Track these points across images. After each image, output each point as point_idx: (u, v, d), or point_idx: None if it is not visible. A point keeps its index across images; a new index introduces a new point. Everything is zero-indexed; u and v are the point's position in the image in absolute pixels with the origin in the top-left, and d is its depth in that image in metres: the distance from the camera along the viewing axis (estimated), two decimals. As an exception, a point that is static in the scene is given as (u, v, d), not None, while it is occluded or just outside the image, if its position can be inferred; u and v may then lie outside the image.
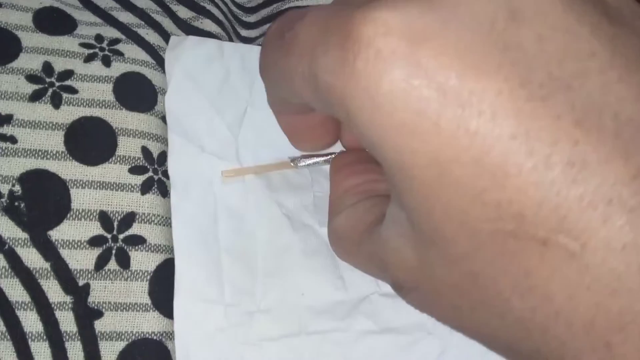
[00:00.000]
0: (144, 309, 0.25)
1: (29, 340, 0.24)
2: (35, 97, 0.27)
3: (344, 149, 0.25)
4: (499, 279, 0.14)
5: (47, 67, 0.27)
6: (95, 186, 0.26)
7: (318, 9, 0.16)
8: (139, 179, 0.27)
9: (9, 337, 0.24)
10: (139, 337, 0.25)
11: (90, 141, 0.27)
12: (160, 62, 0.29)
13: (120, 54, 0.29)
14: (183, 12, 0.31)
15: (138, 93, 0.28)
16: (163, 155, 0.28)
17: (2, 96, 0.26)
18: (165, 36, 0.30)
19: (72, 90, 0.27)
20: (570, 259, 0.13)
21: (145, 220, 0.26)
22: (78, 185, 0.26)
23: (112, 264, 0.25)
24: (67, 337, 0.24)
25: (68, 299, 0.25)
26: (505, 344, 0.15)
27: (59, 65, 0.27)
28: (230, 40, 0.32)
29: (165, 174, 0.27)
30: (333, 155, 0.26)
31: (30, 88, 0.27)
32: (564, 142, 0.13)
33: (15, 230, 0.25)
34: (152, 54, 0.29)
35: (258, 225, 0.27)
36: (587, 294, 0.13)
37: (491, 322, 0.15)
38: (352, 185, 0.23)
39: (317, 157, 0.28)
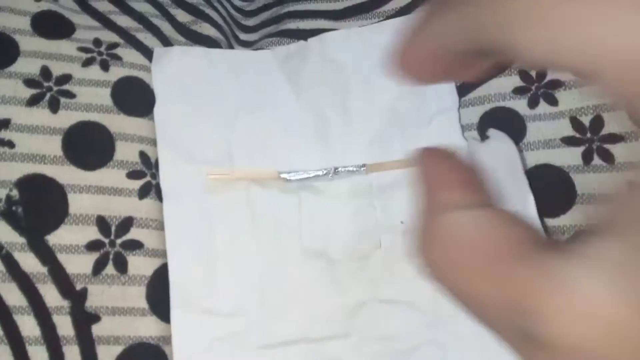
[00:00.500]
0: (141, 313, 0.25)
1: (27, 344, 0.24)
2: (33, 101, 0.27)
3: None
4: None
5: (45, 71, 0.27)
6: (93, 191, 0.26)
7: None
8: (136, 184, 0.27)
9: (6, 341, 0.24)
10: (137, 342, 0.25)
11: (88, 146, 0.27)
12: (158, 66, 0.29)
13: (118, 58, 0.29)
14: (182, 16, 0.31)
15: (136, 98, 0.28)
16: (161, 160, 0.28)
17: (0, 101, 0.26)
18: (164, 40, 0.30)
19: (70, 95, 0.27)
20: None
21: (143, 225, 0.26)
22: (76, 190, 0.26)
23: (110, 269, 0.25)
24: (65, 341, 0.24)
25: (65, 303, 0.25)
26: None
27: (57, 69, 0.27)
28: (230, 43, 0.32)
29: (163, 178, 0.27)
30: (316, 174, 0.27)
31: (28, 92, 0.27)
32: None
33: (12, 234, 0.25)
34: (150, 58, 0.29)
35: (253, 235, 0.27)
36: None
37: None
38: (459, 180, 0.14)
39: (306, 172, 0.28)
